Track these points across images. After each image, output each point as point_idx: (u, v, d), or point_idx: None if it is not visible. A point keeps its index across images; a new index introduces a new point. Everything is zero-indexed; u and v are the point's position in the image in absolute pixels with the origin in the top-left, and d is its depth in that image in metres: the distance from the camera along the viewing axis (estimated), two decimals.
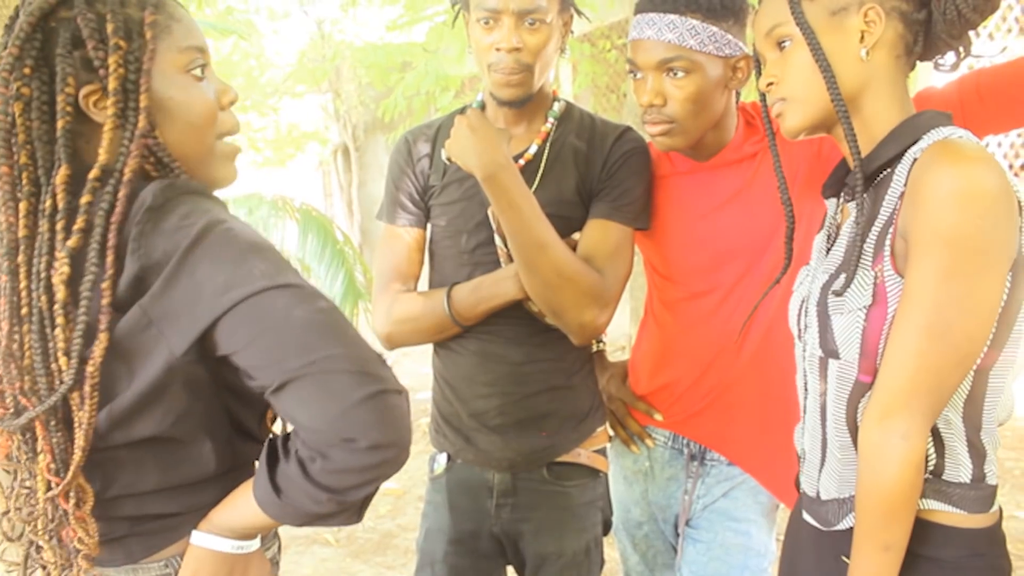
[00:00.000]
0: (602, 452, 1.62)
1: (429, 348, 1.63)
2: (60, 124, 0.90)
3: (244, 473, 1.01)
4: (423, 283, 1.60)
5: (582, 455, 1.56)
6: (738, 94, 1.53)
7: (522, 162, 1.50)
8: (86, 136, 0.93)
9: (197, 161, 0.99)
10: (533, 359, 1.52)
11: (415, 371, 6.07)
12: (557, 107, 1.54)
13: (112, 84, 0.90)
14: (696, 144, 1.48)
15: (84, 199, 0.89)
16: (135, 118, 0.91)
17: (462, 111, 1.60)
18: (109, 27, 0.90)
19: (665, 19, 1.39)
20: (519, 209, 1.36)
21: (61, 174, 0.89)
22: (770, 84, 1.14)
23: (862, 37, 1.07)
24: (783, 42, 1.11)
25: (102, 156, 0.90)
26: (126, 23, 0.92)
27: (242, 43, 9.08)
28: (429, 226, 1.59)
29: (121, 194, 0.89)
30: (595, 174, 1.50)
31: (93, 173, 0.89)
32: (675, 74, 1.39)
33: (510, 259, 1.47)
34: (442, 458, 1.61)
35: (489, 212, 1.48)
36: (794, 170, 1.45)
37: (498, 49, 1.40)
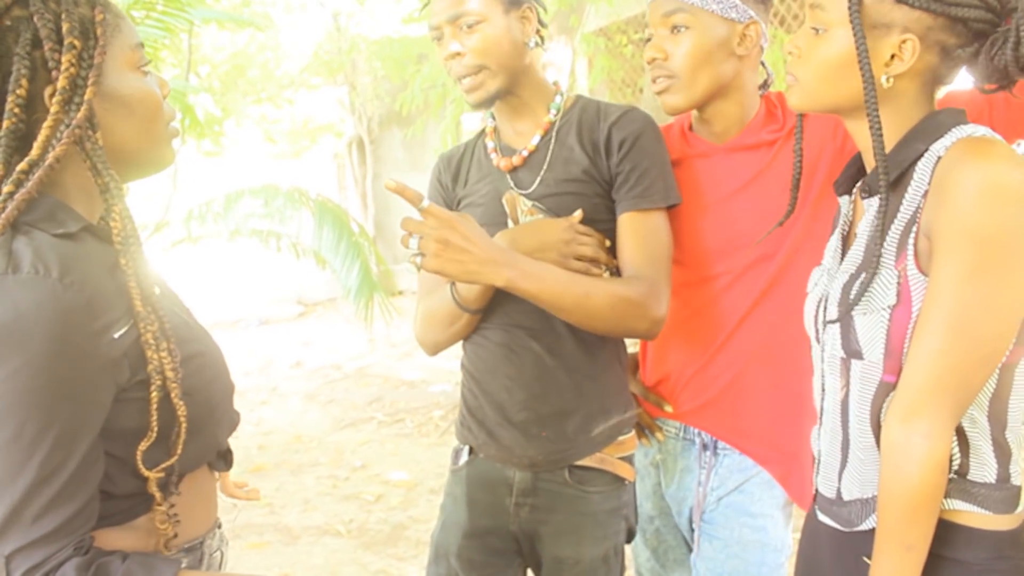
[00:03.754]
0: (629, 460, 1.57)
1: None
2: (5, 125, 0.90)
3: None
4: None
5: (606, 461, 1.52)
6: (767, 84, 1.56)
7: (526, 153, 1.52)
8: (32, 136, 0.92)
9: (151, 148, 1.03)
10: (559, 353, 1.51)
11: (428, 364, 6.10)
12: (559, 99, 1.55)
13: (62, 83, 0.90)
14: (708, 115, 1.52)
15: (7, 188, 0.89)
16: (76, 111, 0.92)
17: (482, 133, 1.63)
18: (65, 26, 0.91)
19: None
20: (545, 285, 1.34)
21: None
22: (791, 54, 1.13)
23: (891, 59, 1.05)
24: (820, 27, 1.09)
25: (34, 151, 0.90)
26: (81, 22, 0.93)
27: (258, 35, 9.11)
28: None
29: (36, 176, 0.89)
30: (600, 152, 1.50)
31: (20, 166, 0.89)
32: (677, 29, 1.46)
33: None
34: (466, 451, 1.61)
35: (504, 200, 1.51)
36: (814, 161, 1.47)
37: (446, 60, 1.46)
